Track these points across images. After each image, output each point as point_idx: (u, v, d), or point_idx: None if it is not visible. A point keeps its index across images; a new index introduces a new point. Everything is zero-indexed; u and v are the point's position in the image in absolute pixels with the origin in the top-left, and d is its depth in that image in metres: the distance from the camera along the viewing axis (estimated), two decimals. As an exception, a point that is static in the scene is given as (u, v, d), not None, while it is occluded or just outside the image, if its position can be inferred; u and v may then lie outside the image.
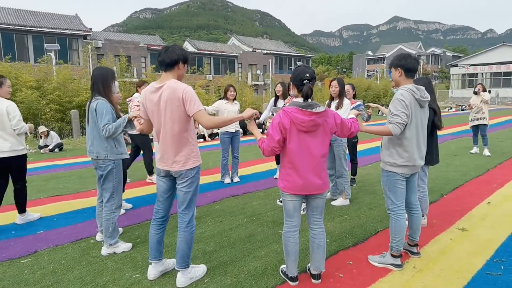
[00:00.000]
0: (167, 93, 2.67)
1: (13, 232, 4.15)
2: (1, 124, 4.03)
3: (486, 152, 8.46)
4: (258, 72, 43.18)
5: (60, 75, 14.77)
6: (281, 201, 4.67)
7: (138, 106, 5.91)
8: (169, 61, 2.71)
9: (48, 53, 19.12)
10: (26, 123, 4.32)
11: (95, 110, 3.36)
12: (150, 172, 6.41)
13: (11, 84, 14.61)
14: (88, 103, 3.51)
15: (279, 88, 5.92)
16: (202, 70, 34.50)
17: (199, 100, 2.71)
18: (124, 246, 3.57)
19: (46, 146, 10.44)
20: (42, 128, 10.74)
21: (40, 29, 28.50)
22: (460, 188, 5.68)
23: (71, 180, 6.70)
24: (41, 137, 10.70)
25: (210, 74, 36.98)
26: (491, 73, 40.11)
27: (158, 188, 2.93)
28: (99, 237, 3.82)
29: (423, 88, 3.08)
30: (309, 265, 2.97)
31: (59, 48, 19.72)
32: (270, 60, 43.41)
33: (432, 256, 3.34)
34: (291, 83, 2.75)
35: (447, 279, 2.95)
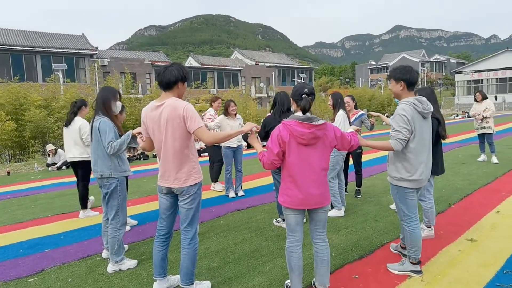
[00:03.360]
0: (167, 111, 2.70)
1: (21, 251, 4.18)
2: (76, 138, 5.15)
3: (494, 159, 8.36)
4: (262, 85, 43.45)
5: (67, 94, 14.98)
6: (277, 221, 4.66)
7: (210, 119, 6.43)
8: (167, 81, 2.75)
9: (55, 73, 19.44)
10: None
11: (98, 129, 3.43)
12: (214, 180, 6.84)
13: (21, 104, 14.61)
14: (91, 122, 3.57)
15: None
16: (206, 84, 34.84)
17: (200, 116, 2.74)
18: (129, 263, 3.58)
19: (54, 164, 10.55)
20: (50, 146, 10.87)
21: (48, 49, 29.14)
22: (468, 197, 5.60)
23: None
24: (49, 155, 10.82)
25: (214, 88, 37.31)
26: (496, 78, 39.92)
27: (160, 206, 2.95)
28: (105, 254, 3.83)
29: (425, 99, 3.07)
30: (314, 279, 2.94)
31: (67, 67, 19.98)
32: (273, 73, 43.70)
33: (440, 269, 3.29)
34: (291, 99, 2.78)
35: (456, 291, 2.90)
